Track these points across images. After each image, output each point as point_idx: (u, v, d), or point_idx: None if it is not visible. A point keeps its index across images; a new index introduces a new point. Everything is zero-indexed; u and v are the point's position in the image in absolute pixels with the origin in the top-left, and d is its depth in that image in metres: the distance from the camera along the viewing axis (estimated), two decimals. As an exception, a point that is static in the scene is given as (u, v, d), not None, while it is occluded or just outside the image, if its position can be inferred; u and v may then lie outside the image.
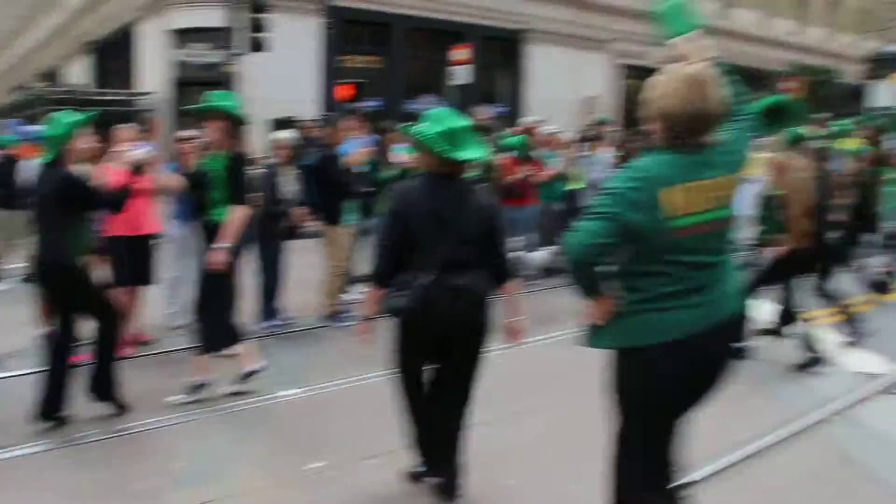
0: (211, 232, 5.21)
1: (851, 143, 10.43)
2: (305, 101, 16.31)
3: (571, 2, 22.86)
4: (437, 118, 3.62)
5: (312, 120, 14.77)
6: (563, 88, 22.67)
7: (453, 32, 20.27)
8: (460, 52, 17.93)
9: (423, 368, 3.83)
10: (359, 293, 8.57)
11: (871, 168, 9.31)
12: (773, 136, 5.96)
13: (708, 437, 4.40)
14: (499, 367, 6.16)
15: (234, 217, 5.17)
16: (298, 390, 5.62)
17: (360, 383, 5.67)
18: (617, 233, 2.70)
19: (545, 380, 5.85)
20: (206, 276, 5.22)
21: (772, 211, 6.19)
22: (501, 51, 22.45)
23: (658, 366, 2.79)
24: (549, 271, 10.06)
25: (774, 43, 29.50)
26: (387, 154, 8.47)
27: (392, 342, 3.77)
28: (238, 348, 5.40)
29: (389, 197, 3.75)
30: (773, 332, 6.81)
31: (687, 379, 2.84)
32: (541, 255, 9.96)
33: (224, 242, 5.09)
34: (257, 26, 15.82)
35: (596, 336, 2.95)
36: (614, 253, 2.81)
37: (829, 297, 6.77)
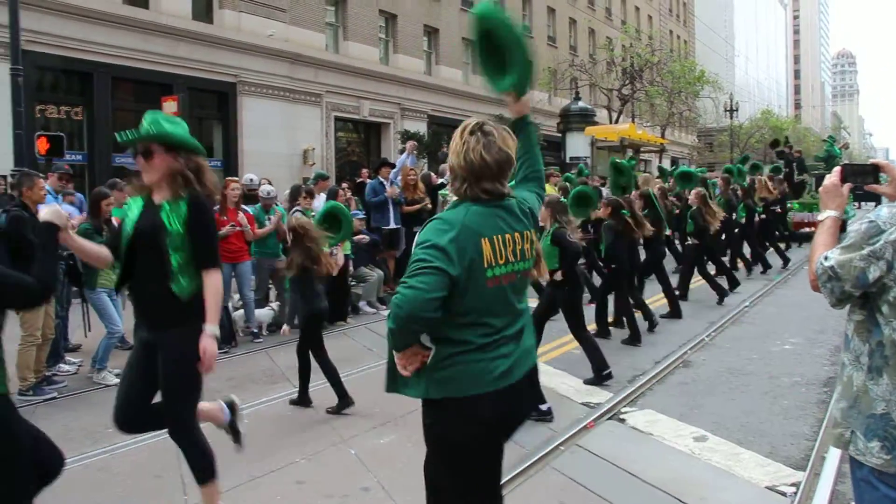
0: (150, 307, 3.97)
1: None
2: (-4, 155, 14.91)
3: (281, 55, 23.00)
4: None
5: (1, 175, 13.52)
6: (279, 141, 22.69)
7: (161, 83, 19.59)
8: (169, 104, 17.35)
9: None
10: (67, 364, 7.96)
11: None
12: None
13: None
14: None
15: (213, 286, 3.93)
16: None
17: (71, 467, 5.23)
18: (446, 286, 2.67)
19: (279, 439, 5.76)
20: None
21: None
22: (214, 103, 22.03)
23: (476, 414, 2.77)
24: (272, 328, 9.97)
25: (475, 97, 31.67)
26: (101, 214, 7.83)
27: None
28: None
29: None
30: None
31: (495, 428, 2.86)
32: (264, 312, 9.83)
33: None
34: (-67, 72, 14.25)
35: (405, 385, 2.86)
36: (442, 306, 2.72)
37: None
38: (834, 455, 5.18)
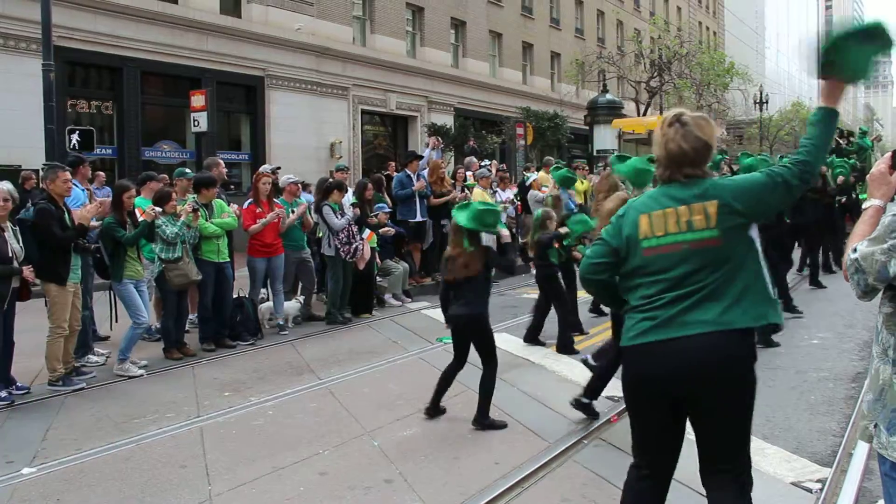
0: None
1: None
2: (28, 149, 15.09)
3: (308, 49, 23.07)
4: None
5: (34, 170, 13.71)
6: (306, 134, 22.77)
7: (190, 77, 19.74)
8: (198, 98, 17.49)
9: None
10: (96, 356, 8.06)
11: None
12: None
13: (478, 469, 4.60)
14: (255, 422, 6.07)
15: None
16: (34, 469, 5.16)
17: (98, 456, 5.31)
18: (608, 253, 3.18)
19: (303, 431, 5.79)
20: None
21: None
22: (242, 96, 22.17)
23: (625, 365, 3.26)
24: (298, 320, 10.01)
25: (501, 90, 31.61)
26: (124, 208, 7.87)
27: None
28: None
29: None
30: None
31: (640, 384, 3.20)
32: (291, 305, 9.89)
33: None
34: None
35: None
36: (613, 270, 3.21)
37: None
38: (861, 451, 5.10)
